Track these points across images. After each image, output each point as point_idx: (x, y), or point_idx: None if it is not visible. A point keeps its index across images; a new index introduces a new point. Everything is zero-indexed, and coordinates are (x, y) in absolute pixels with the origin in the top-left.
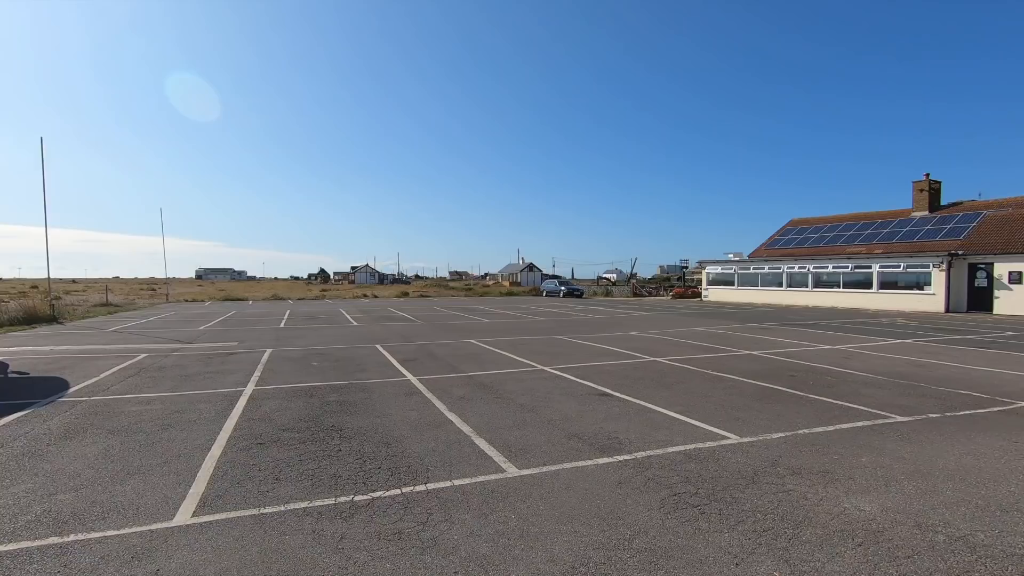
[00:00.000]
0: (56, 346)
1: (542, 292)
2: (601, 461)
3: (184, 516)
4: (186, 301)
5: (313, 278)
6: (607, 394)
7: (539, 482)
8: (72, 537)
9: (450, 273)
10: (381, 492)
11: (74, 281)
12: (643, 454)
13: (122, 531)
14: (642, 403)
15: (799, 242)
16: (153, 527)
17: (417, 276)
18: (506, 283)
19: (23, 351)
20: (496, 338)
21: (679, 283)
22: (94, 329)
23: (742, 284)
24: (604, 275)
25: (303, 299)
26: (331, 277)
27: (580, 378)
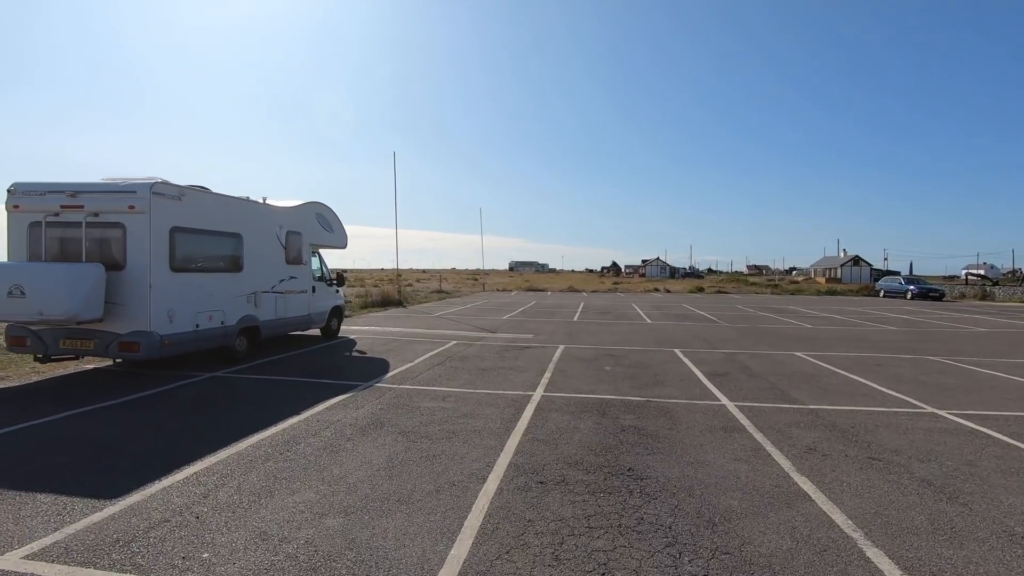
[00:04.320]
0: (393, 328)
1: (878, 292)
2: None
3: None
4: (498, 290)
5: (605, 271)
6: None
7: None
8: None
9: (747, 267)
10: None
11: (424, 271)
12: None
13: None
14: None
15: None
16: None
17: (710, 270)
18: (821, 279)
19: (370, 331)
20: (831, 352)
21: None
22: (424, 313)
23: None
24: (970, 271)
25: (596, 291)
26: (622, 270)
27: (1018, 439)
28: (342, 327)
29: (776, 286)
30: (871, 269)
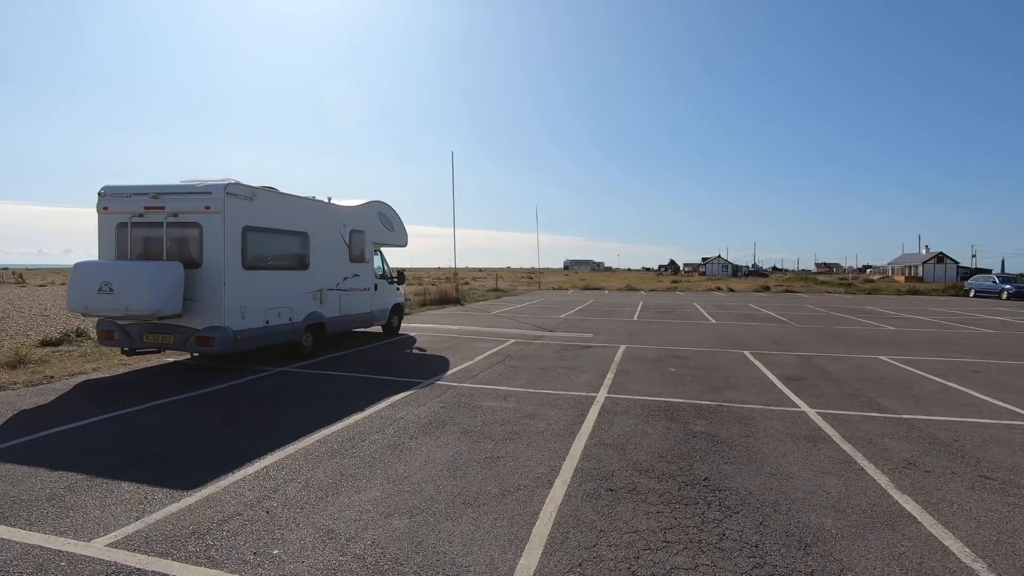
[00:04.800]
0: (451, 325)
1: (968, 291)
2: None
3: None
4: (553, 289)
5: (663, 269)
6: None
7: None
8: None
9: (816, 265)
10: None
11: (480, 270)
12: None
13: None
14: None
15: None
16: None
17: (775, 268)
18: (900, 278)
19: (429, 328)
20: (921, 356)
21: None
22: (482, 311)
23: None
24: None
25: (654, 290)
26: (680, 269)
27: None
28: (402, 324)
29: (850, 285)
30: (957, 267)
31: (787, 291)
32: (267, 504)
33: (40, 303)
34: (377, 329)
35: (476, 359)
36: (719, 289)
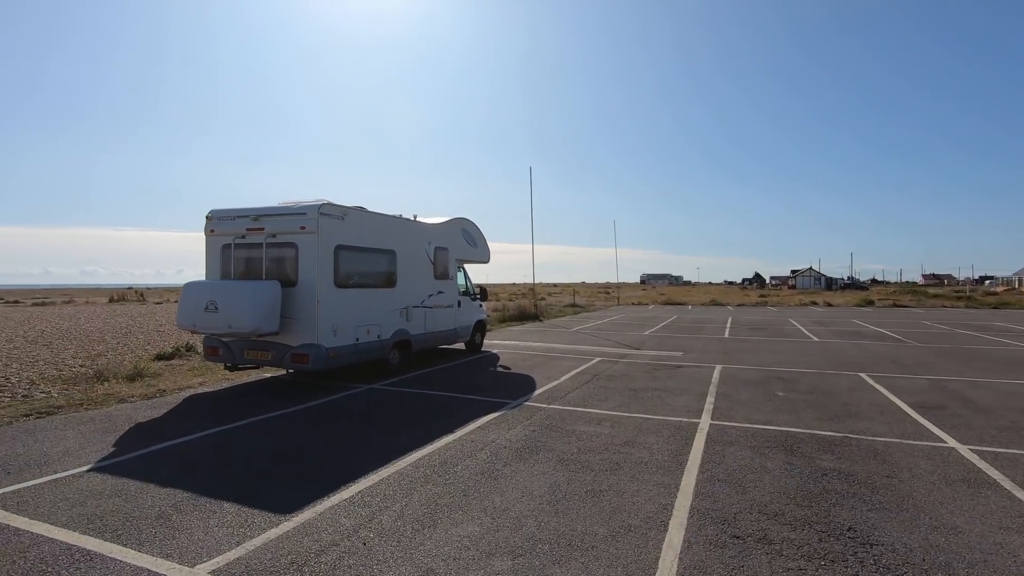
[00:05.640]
0: (533, 342)
1: None
2: None
3: None
4: (632, 304)
5: (747, 283)
6: None
7: None
8: None
9: (923, 277)
10: None
11: (555, 285)
12: None
13: None
14: None
15: None
16: None
17: (874, 280)
18: None
19: (511, 345)
20: None
21: None
22: (562, 328)
23: None
24: None
25: (742, 305)
26: (766, 282)
27: None
28: (484, 341)
29: (970, 298)
30: None
31: (895, 305)
32: (363, 535)
33: (156, 319)
34: (460, 346)
35: (563, 378)
36: (815, 303)
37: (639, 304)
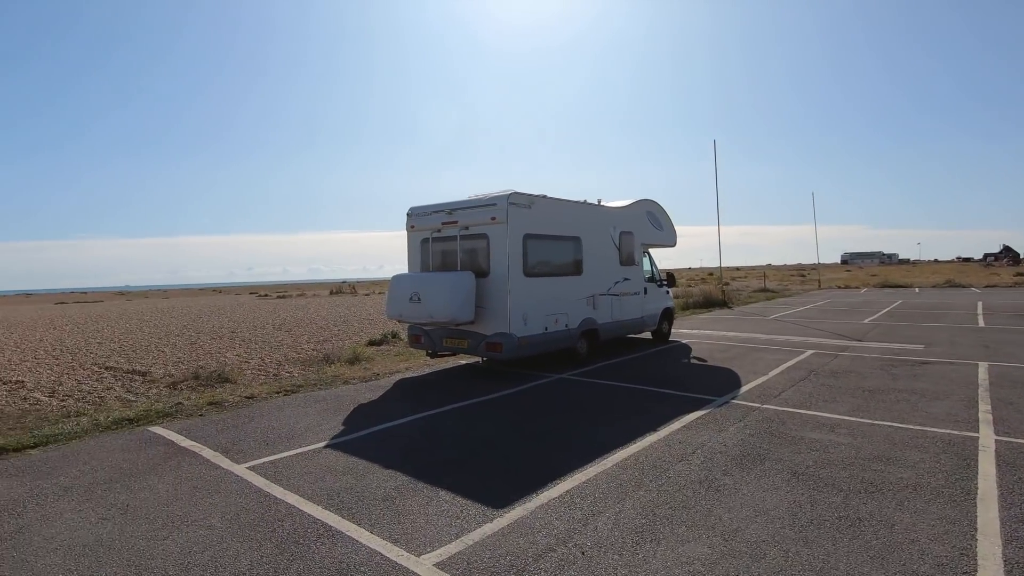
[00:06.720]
0: (726, 332)
1: None
2: None
3: None
4: (838, 287)
5: (992, 259)
6: None
7: None
8: None
9: None
10: None
11: (737, 269)
12: None
13: None
14: None
15: None
16: None
17: None
18: None
19: (701, 334)
20: None
21: None
22: (755, 315)
23: None
24: None
25: (993, 286)
26: (1021, 257)
27: None
28: (672, 330)
29: None
30: None
31: None
32: (579, 541)
33: (366, 309)
34: (646, 335)
35: (771, 373)
36: None
37: (846, 287)
